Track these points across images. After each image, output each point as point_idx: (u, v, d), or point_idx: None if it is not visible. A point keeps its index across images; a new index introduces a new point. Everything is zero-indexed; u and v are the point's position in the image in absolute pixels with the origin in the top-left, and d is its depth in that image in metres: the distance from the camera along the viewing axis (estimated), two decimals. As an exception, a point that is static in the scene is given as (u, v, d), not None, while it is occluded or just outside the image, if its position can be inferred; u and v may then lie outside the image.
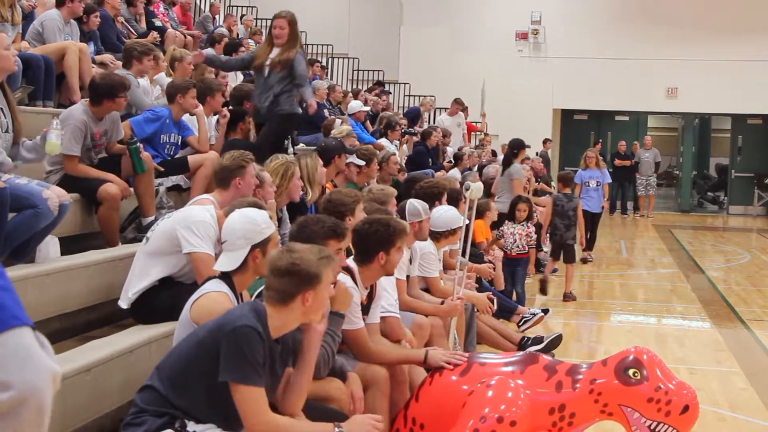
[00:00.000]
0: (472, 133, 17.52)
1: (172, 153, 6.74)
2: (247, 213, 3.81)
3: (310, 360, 3.39)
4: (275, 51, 7.57)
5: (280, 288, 3.20)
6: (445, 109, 19.58)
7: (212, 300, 3.61)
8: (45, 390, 1.59)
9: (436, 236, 6.24)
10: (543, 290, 9.84)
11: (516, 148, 10.31)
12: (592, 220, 12.55)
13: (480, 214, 7.89)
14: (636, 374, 3.71)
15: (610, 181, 13.11)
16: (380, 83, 17.72)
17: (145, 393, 3.23)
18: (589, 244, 12.67)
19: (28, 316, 1.68)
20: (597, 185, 12.37)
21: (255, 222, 3.74)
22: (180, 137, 6.80)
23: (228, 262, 3.71)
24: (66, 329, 4.85)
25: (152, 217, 5.95)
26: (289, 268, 3.17)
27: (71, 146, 5.67)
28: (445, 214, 6.36)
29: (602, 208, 12.87)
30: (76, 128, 5.69)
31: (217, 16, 15.21)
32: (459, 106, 15.87)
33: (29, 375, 1.58)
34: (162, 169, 6.38)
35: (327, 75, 15.18)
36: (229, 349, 3.06)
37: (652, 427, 3.64)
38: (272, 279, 3.22)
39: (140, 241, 5.11)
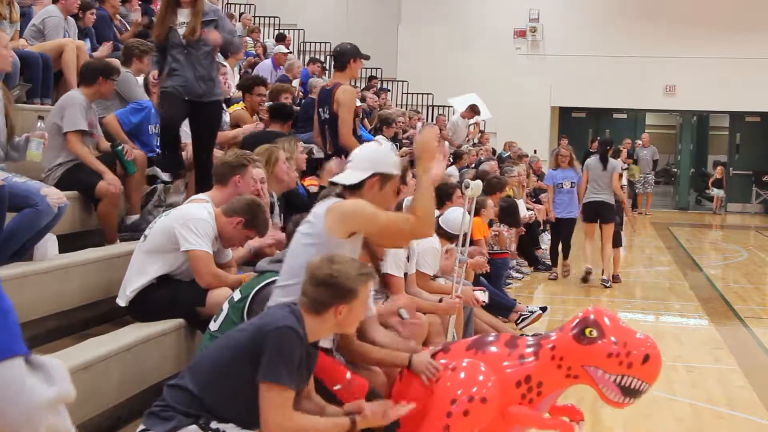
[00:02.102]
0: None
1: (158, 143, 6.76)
2: (386, 148, 3.91)
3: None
4: (184, 14, 6.26)
5: (314, 297, 3.20)
6: (443, 107, 19.63)
7: (344, 204, 3.62)
8: (35, 424, 1.55)
9: (449, 236, 6.25)
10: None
11: (609, 144, 11.35)
12: (567, 228, 11.37)
13: (476, 211, 7.88)
14: (592, 333, 3.72)
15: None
16: (374, 78, 17.72)
17: (175, 391, 3.22)
18: (565, 253, 11.34)
19: (22, 342, 1.62)
20: (572, 186, 11.23)
21: (388, 155, 3.78)
22: None
23: (347, 176, 3.70)
24: (64, 327, 4.85)
25: (136, 216, 5.99)
26: (326, 279, 3.17)
27: (80, 121, 5.74)
28: (461, 218, 6.30)
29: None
30: (80, 106, 5.79)
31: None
32: (473, 113, 16.04)
33: (15, 411, 1.53)
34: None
35: (326, 74, 15.18)
36: (270, 348, 3.06)
37: (618, 382, 3.64)
38: (309, 287, 3.21)
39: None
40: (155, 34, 6.36)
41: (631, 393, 3.64)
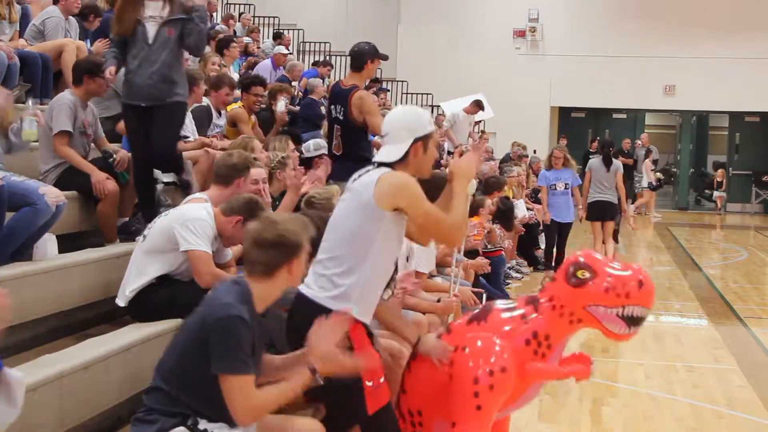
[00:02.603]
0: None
1: None
2: (410, 107, 3.78)
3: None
4: (152, 7, 5.67)
5: (266, 260, 3.20)
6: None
7: (396, 175, 3.55)
8: None
9: None
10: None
11: (611, 146, 11.91)
12: (559, 233, 11.27)
13: (475, 210, 7.89)
14: (584, 274, 3.79)
15: (580, 182, 11.46)
16: (377, 80, 17.71)
17: (152, 394, 3.22)
18: (558, 260, 11.00)
19: None
20: (565, 188, 11.20)
21: (419, 115, 3.71)
22: None
23: (388, 153, 3.63)
24: (63, 327, 4.85)
25: (125, 219, 5.99)
26: (277, 240, 3.18)
27: (64, 123, 5.67)
28: None
29: (576, 216, 11.53)
30: (66, 107, 5.71)
31: (214, 14, 15.20)
32: (478, 108, 16.09)
33: None
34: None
35: (330, 74, 15.22)
36: (216, 340, 3.06)
37: (620, 314, 3.71)
38: (257, 252, 3.21)
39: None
40: (117, 28, 5.76)
41: (634, 321, 3.72)
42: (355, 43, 6.76)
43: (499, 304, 4.13)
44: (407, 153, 3.60)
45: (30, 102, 5.26)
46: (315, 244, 4.09)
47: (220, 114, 7.73)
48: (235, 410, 3.06)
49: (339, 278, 3.52)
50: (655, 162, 22.82)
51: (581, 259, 3.83)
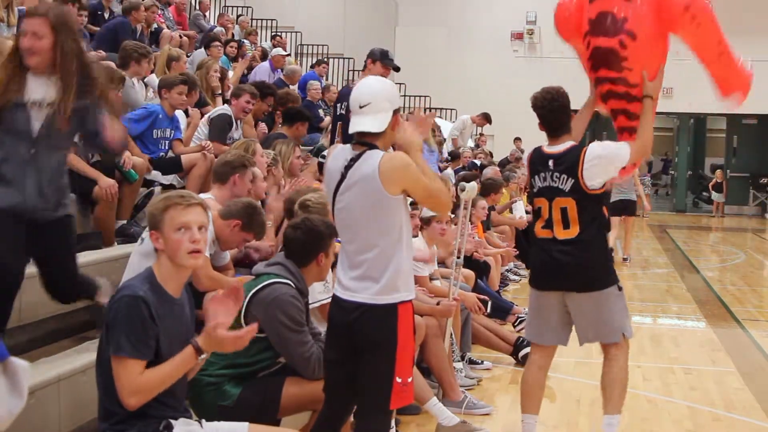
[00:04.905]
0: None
1: (167, 148, 6.78)
2: (385, 79, 3.71)
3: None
4: (39, 85, 3.89)
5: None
6: (440, 109, 19.64)
7: (395, 158, 3.47)
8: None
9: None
10: None
11: None
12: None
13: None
14: None
15: None
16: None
17: (103, 415, 3.20)
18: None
19: (3, 347, 1.62)
20: None
21: (395, 88, 3.65)
22: (173, 132, 6.83)
23: (375, 123, 3.51)
24: (62, 329, 4.85)
25: (124, 221, 5.97)
26: (147, 215, 3.27)
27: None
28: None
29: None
30: None
31: (207, 13, 15.13)
32: (485, 121, 16.23)
33: None
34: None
35: (325, 76, 15.18)
36: (110, 322, 3.07)
37: None
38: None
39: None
40: None
41: None
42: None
43: None
44: (388, 124, 3.54)
45: None
46: (305, 247, 4.04)
47: (237, 125, 7.52)
48: (120, 391, 3.04)
49: (378, 272, 3.43)
50: (650, 164, 22.86)
51: None
